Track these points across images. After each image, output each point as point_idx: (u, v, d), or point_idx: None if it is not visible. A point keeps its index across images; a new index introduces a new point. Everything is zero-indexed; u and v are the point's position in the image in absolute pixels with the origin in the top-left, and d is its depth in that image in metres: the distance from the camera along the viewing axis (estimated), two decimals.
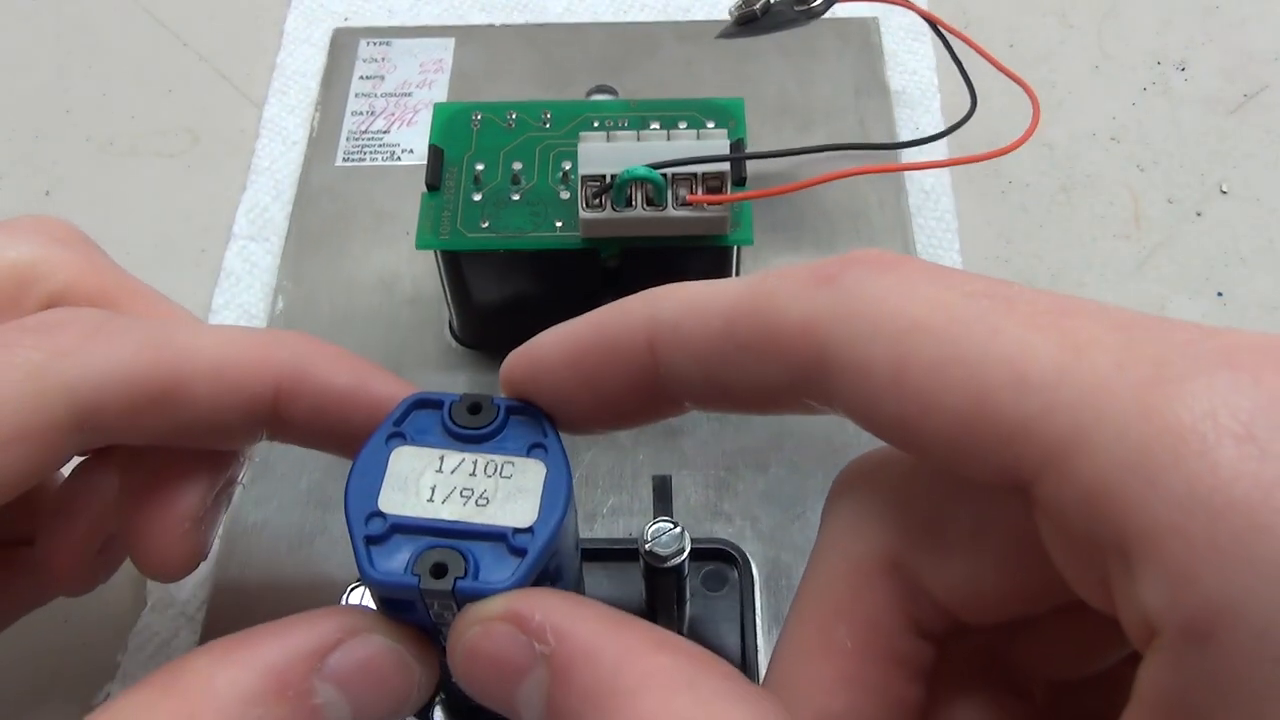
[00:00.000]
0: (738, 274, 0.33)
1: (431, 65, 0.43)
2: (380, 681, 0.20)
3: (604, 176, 0.29)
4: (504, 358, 0.34)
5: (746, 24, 0.35)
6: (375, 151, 0.40)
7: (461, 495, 0.22)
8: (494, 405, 0.23)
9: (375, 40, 0.43)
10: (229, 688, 0.18)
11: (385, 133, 0.41)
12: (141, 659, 0.30)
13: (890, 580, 0.18)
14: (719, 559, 0.30)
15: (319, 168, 0.40)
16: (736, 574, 0.30)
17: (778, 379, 0.17)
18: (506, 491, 0.22)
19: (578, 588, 0.26)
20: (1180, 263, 0.37)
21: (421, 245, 0.31)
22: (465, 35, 0.43)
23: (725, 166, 0.29)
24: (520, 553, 0.22)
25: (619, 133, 0.30)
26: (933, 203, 0.37)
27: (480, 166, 0.32)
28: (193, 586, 0.31)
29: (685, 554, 0.27)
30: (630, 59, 0.42)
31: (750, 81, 0.41)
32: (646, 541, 0.27)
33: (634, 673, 0.16)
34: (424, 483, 0.22)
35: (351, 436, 0.23)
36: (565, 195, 0.31)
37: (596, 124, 0.32)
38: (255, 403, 0.22)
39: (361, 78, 0.42)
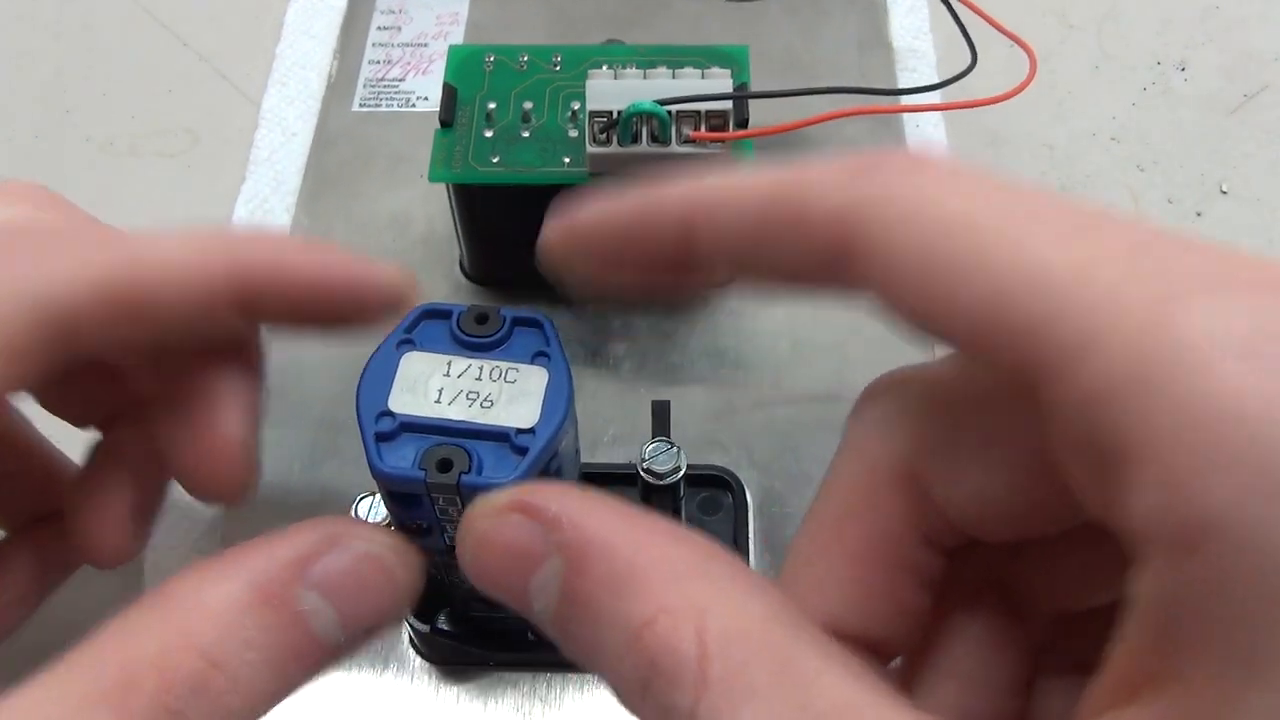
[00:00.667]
0: None
1: (447, 18, 0.44)
2: (364, 587, 0.20)
3: (610, 112, 0.30)
4: (511, 293, 0.35)
5: None
6: (391, 98, 0.41)
7: (467, 398, 0.23)
8: (500, 316, 0.24)
9: None
10: (218, 601, 0.18)
11: (401, 80, 0.42)
12: None
13: (905, 489, 0.18)
14: (714, 485, 0.31)
15: (336, 112, 0.41)
16: (731, 500, 0.31)
17: (809, 262, 0.18)
18: (510, 395, 0.23)
19: None
20: None
21: (434, 178, 0.32)
22: None
23: (728, 105, 0.30)
24: (522, 451, 0.23)
25: (626, 71, 0.31)
26: (931, 146, 0.38)
27: (492, 105, 0.33)
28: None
29: (681, 473, 0.29)
30: (641, 14, 0.43)
31: (756, 37, 0.42)
32: (644, 460, 0.29)
33: (649, 560, 0.17)
34: (432, 385, 0.23)
35: (332, 319, 0.24)
36: (574, 134, 0.32)
37: (605, 66, 0.33)
38: (227, 296, 0.23)
39: (379, 28, 0.44)
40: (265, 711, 0.18)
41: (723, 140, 0.30)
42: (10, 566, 0.27)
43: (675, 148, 0.30)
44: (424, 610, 0.28)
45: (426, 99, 0.41)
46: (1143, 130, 0.41)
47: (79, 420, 0.27)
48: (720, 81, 0.30)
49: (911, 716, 0.15)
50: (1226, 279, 0.14)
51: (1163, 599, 0.13)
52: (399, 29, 0.44)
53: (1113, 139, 0.41)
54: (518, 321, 0.24)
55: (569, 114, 0.33)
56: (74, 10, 0.46)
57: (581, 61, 0.34)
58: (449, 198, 0.33)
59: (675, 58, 0.33)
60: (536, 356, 0.24)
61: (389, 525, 0.28)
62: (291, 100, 0.42)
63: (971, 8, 0.36)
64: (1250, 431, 0.12)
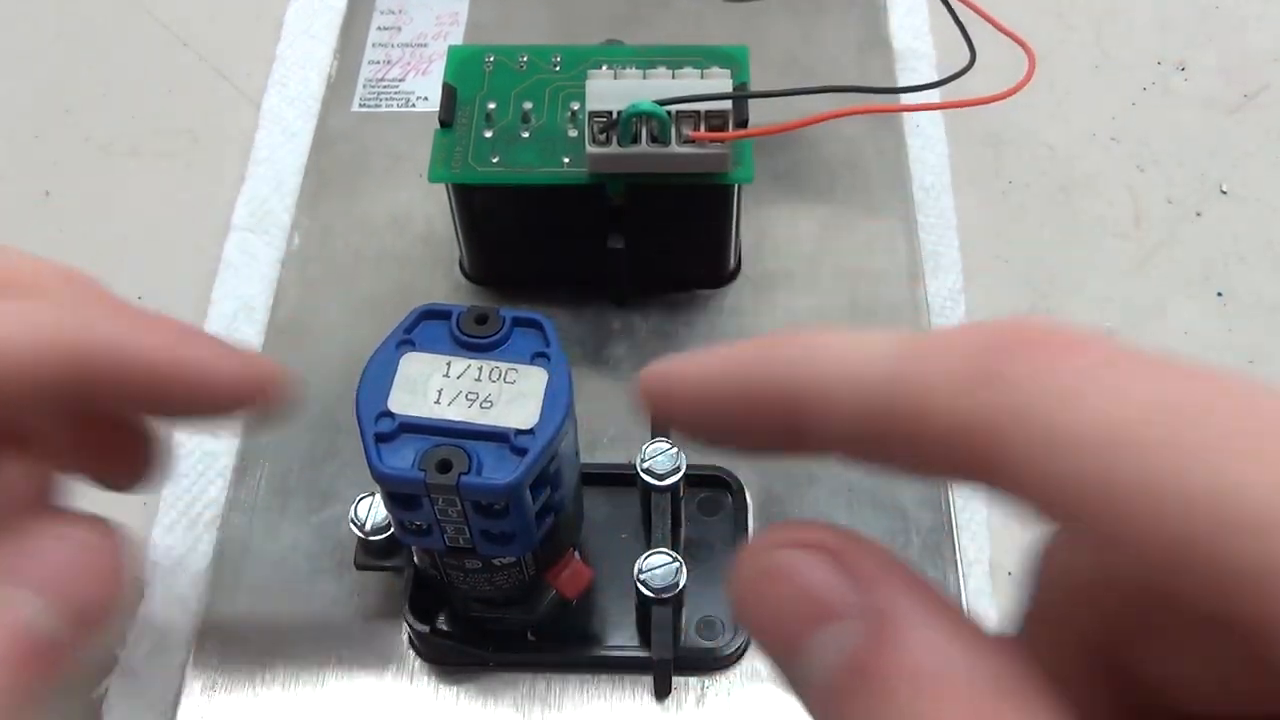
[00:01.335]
0: (738, 213, 0.34)
1: (447, 18, 0.44)
2: (77, 579, 0.20)
3: (610, 113, 0.30)
4: (512, 294, 0.35)
5: None
6: (391, 98, 0.41)
7: (467, 398, 0.23)
8: (499, 316, 0.24)
9: None
10: None
11: (401, 80, 0.42)
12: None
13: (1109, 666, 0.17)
14: (714, 485, 0.31)
15: (336, 112, 0.41)
16: (731, 500, 0.31)
17: (933, 465, 0.15)
18: (510, 395, 0.23)
19: (576, 500, 0.27)
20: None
21: (434, 178, 0.32)
22: None
23: (728, 105, 0.30)
24: (522, 452, 0.23)
25: (626, 71, 0.31)
26: (931, 145, 0.38)
27: (492, 105, 0.33)
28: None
29: (681, 473, 0.29)
30: (641, 14, 0.43)
31: (756, 37, 0.42)
32: (644, 460, 0.29)
33: (963, 673, 0.15)
34: (431, 386, 0.24)
35: (178, 408, 0.22)
36: (573, 134, 0.32)
37: (605, 67, 0.33)
38: (54, 384, 0.20)
39: (379, 29, 0.44)
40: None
41: (723, 140, 0.30)
42: None
43: (675, 148, 0.30)
44: (424, 610, 0.28)
45: (426, 99, 0.41)
46: (1143, 130, 0.41)
47: None
48: (720, 81, 0.30)
49: None
50: None
51: None
52: (399, 29, 0.44)
53: (1113, 139, 0.41)
54: (517, 322, 0.24)
55: (569, 114, 0.33)
56: (74, 10, 0.46)
57: (581, 62, 0.34)
58: (449, 198, 0.33)
59: (675, 58, 0.33)
60: (536, 357, 0.24)
61: (389, 526, 0.28)
62: (291, 100, 0.42)
63: (971, 7, 0.36)
64: None
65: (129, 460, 0.24)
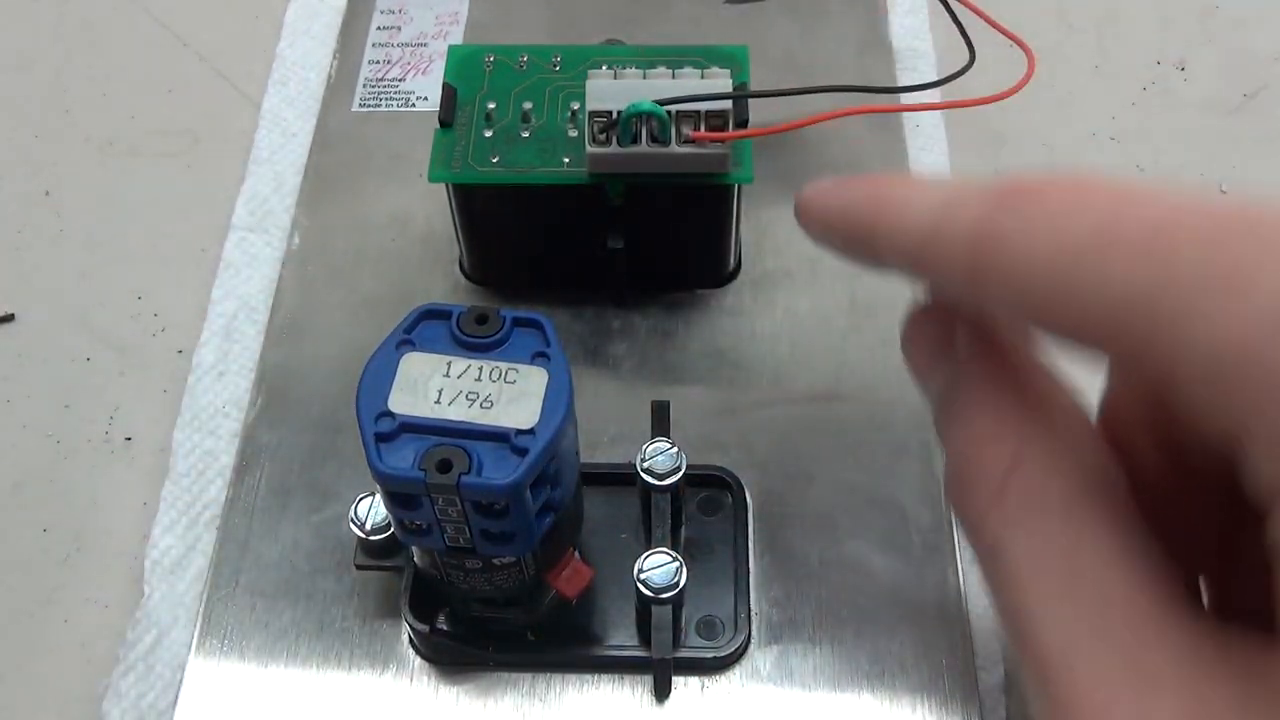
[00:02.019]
0: (738, 213, 0.34)
1: (447, 18, 0.44)
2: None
3: (610, 112, 0.30)
4: (511, 294, 0.35)
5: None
6: (391, 98, 0.41)
7: (467, 398, 0.23)
8: (499, 316, 0.24)
9: None
10: None
11: (401, 80, 0.42)
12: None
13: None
14: (714, 485, 0.31)
15: (336, 112, 0.41)
16: (731, 500, 0.31)
17: (953, 281, 0.20)
18: (510, 395, 0.23)
19: (576, 500, 0.27)
20: None
21: (434, 178, 0.32)
22: None
23: (728, 105, 0.30)
24: (522, 452, 0.23)
25: (626, 71, 0.31)
26: (930, 145, 0.38)
27: (492, 105, 0.33)
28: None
29: (681, 473, 0.29)
30: (641, 15, 0.43)
31: (756, 37, 0.42)
32: (644, 460, 0.29)
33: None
34: (432, 386, 0.24)
35: None
36: (573, 134, 0.32)
37: (605, 67, 0.33)
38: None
39: (379, 28, 0.44)
40: None
41: (723, 140, 0.30)
42: None
43: (675, 148, 0.30)
44: (424, 610, 0.28)
45: (426, 99, 0.41)
46: (1143, 130, 0.41)
47: None
48: (720, 81, 0.30)
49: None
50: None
51: None
52: (399, 29, 0.44)
53: (1113, 139, 0.41)
54: (517, 322, 0.24)
55: (569, 114, 0.33)
56: (74, 10, 0.46)
57: (581, 61, 0.34)
58: (449, 198, 0.33)
59: (675, 58, 0.33)
60: (536, 357, 0.24)
61: (389, 526, 0.28)
62: (291, 100, 0.42)
63: (970, 8, 0.36)
64: None
65: None
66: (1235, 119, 0.41)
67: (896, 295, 0.36)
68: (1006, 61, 0.34)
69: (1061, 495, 0.19)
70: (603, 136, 0.31)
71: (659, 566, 0.27)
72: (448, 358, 0.24)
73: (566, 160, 0.32)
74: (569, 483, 0.25)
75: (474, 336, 0.24)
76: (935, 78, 0.41)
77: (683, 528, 0.31)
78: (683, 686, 0.29)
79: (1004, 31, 0.35)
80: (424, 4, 0.44)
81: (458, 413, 0.23)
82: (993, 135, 0.41)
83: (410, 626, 0.28)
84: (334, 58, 0.42)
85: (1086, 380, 0.22)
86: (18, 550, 0.32)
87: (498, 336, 0.24)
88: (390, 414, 0.23)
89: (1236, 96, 0.42)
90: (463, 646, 0.29)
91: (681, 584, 0.27)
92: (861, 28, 0.42)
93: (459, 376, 0.24)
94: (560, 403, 0.23)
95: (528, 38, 0.42)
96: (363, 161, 0.39)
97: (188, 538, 0.32)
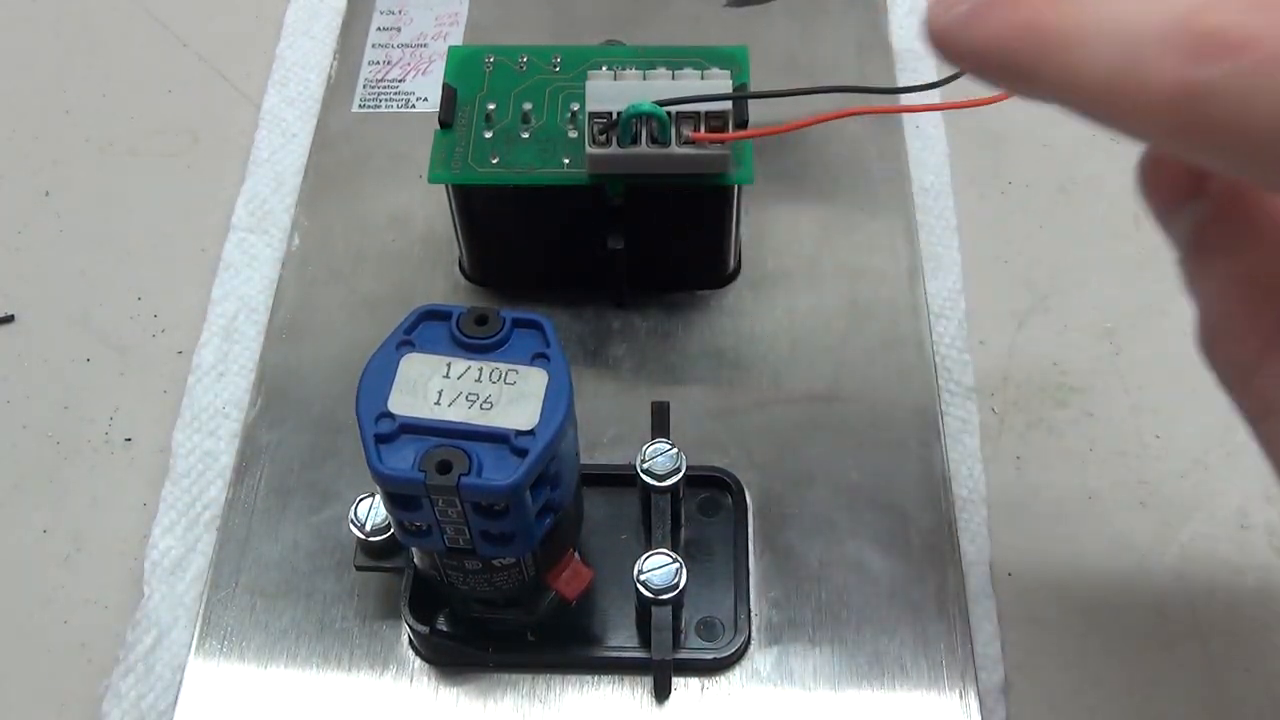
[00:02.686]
0: (738, 213, 0.34)
1: (447, 18, 0.44)
2: None
3: (610, 113, 0.30)
4: (511, 295, 0.35)
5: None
6: (391, 99, 0.41)
7: (467, 399, 0.23)
8: (500, 317, 0.24)
9: None
10: None
11: (401, 81, 0.42)
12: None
13: None
14: (714, 486, 0.31)
15: (336, 113, 0.41)
16: (731, 500, 0.31)
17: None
18: (510, 397, 0.23)
19: (576, 501, 0.27)
20: None
21: (434, 179, 0.32)
22: None
23: (728, 106, 0.30)
24: (522, 453, 0.23)
25: (626, 72, 0.31)
26: (930, 146, 0.38)
27: (491, 106, 0.33)
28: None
29: (681, 474, 0.29)
30: (641, 15, 0.43)
31: (756, 38, 0.42)
32: (643, 461, 0.29)
33: None
34: (431, 387, 0.24)
35: None
36: (573, 134, 0.32)
37: (605, 68, 0.33)
38: None
39: (379, 29, 0.44)
40: None
41: (723, 141, 0.30)
42: None
43: (675, 149, 0.30)
44: (424, 611, 0.28)
45: (426, 99, 0.41)
46: None
47: None
48: (720, 82, 0.30)
49: None
50: None
51: None
52: (399, 29, 0.44)
53: (1113, 139, 0.41)
54: (517, 323, 0.24)
55: (569, 115, 0.33)
56: (74, 10, 0.46)
57: (581, 62, 0.34)
58: (448, 198, 0.33)
59: (675, 59, 0.33)
60: (536, 358, 0.24)
61: (389, 526, 0.28)
62: (291, 101, 0.42)
63: None
64: None
65: None
66: None
67: (897, 295, 0.36)
68: None
69: None
70: (603, 137, 0.31)
71: (659, 567, 0.27)
72: (447, 359, 0.24)
73: (566, 161, 0.32)
74: (569, 484, 0.25)
75: (474, 337, 0.24)
76: (935, 78, 0.41)
77: (682, 528, 0.31)
78: (683, 687, 0.29)
79: None
80: (424, 4, 0.44)
81: (457, 414, 0.23)
82: (993, 135, 0.41)
83: (410, 627, 0.28)
84: (334, 58, 0.43)
85: None
86: (18, 550, 0.32)
87: (497, 337, 0.24)
88: (390, 415, 0.23)
89: None
90: (462, 647, 0.29)
91: (681, 585, 0.27)
92: (861, 28, 0.42)
93: (459, 377, 0.24)
94: (560, 404, 0.23)
95: (528, 38, 0.42)
96: (363, 162, 0.39)
97: (188, 538, 0.32)
